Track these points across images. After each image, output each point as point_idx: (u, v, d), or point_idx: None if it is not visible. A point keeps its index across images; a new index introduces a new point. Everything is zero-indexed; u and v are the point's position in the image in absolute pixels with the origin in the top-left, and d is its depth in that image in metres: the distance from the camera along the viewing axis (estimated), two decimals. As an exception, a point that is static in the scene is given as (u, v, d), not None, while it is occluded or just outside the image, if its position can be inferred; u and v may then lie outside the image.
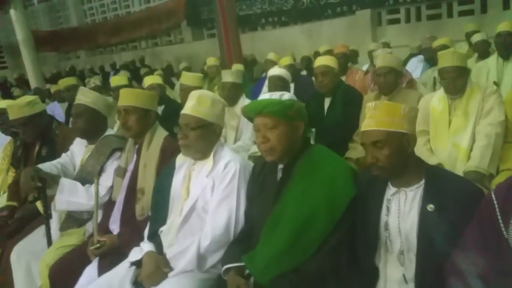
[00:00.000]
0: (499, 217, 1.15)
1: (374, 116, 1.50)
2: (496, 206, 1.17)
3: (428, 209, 1.45)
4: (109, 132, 2.69)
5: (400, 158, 1.48)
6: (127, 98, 2.26)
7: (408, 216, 1.49)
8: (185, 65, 7.55)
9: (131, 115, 2.23)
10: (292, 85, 4.91)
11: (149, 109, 2.28)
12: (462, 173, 2.55)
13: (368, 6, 8.06)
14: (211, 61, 6.01)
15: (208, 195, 1.88)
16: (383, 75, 3.02)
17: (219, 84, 4.31)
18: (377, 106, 1.52)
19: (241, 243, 1.78)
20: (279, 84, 3.43)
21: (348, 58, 4.54)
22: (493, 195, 1.20)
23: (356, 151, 3.15)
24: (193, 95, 1.94)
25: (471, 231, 1.26)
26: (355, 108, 3.22)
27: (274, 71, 3.56)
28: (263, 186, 1.79)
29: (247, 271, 1.68)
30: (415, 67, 5.43)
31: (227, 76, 3.49)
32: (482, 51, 4.62)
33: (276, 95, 1.70)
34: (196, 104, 1.89)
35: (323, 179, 1.63)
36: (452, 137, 2.74)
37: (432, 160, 2.70)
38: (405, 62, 5.82)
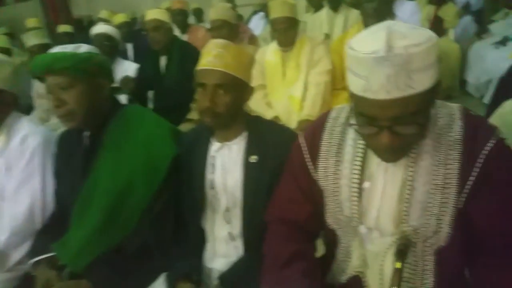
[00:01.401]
0: (308, 158, 1.12)
1: (222, 56, 1.31)
2: (305, 148, 1.13)
3: (251, 160, 1.38)
4: None
5: (236, 107, 1.36)
6: None
7: (233, 171, 1.40)
8: (4, 31, 6.37)
9: None
10: (130, 46, 4.53)
11: None
12: (297, 123, 2.63)
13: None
14: (32, 22, 5.13)
15: (3, 179, 1.53)
16: (216, 28, 2.89)
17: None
18: (227, 46, 1.34)
19: (51, 229, 1.50)
20: (106, 43, 3.02)
21: (186, 15, 4.28)
22: (301, 139, 1.15)
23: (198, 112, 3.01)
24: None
25: (285, 177, 1.22)
26: (193, 65, 2.98)
27: (98, 28, 3.09)
28: (70, 159, 1.51)
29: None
30: (257, 24, 5.49)
31: (30, 39, 2.92)
32: (316, 5, 4.81)
33: (70, 47, 1.40)
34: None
35: (138, 142, 1.43)
36: (287, 89, 2.79)
37: (269, 114, 2.71)
38: (249, 19, 5.86)
